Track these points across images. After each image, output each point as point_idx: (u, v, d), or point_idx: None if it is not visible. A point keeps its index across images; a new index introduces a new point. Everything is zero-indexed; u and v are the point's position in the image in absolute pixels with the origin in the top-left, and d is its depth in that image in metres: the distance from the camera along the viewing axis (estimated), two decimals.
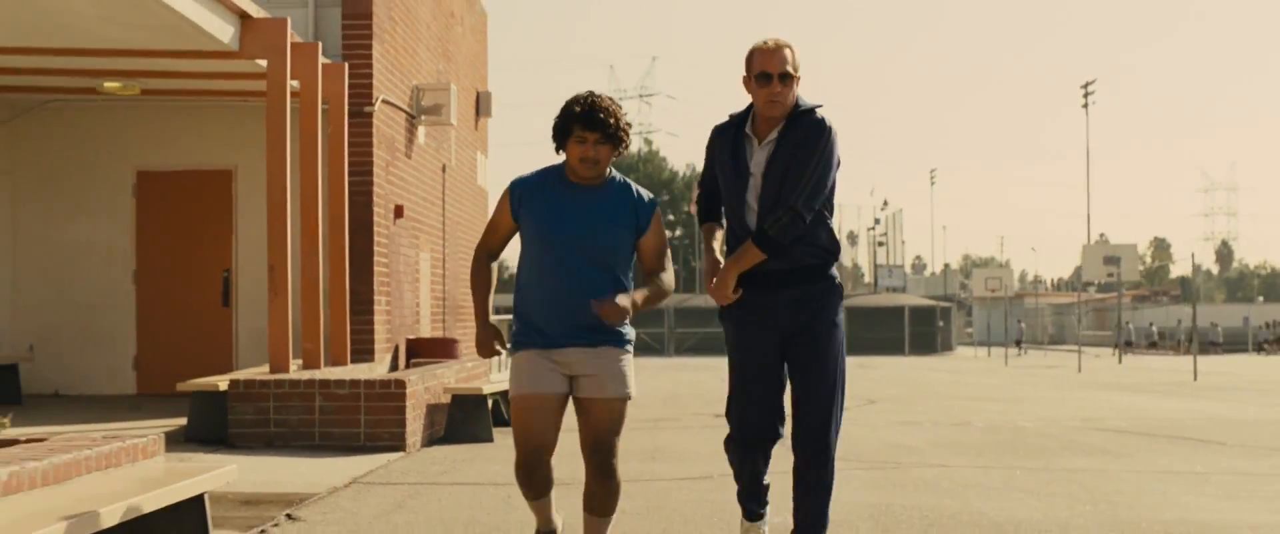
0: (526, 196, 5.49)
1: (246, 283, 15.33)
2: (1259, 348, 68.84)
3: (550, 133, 5.47)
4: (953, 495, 8.54)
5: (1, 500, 4.20)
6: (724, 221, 5.91)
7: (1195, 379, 30.14)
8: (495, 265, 5.75)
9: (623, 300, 5.29)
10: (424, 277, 17.46)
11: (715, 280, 5.69)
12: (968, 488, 8.97)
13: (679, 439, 13.02)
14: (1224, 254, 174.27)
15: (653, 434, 13.48)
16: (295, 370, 11.84)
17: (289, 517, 7.35)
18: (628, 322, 5.46)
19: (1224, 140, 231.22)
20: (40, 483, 4.48)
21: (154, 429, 9.91)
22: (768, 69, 5.65)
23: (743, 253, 5.63)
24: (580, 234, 5.40)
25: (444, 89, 17.15)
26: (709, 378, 31.96)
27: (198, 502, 4.95)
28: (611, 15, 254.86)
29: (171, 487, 4.72)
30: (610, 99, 5.45)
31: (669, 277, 5.55)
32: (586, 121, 5.34)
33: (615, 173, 5.54)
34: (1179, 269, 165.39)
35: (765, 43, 5.74)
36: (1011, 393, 23.81)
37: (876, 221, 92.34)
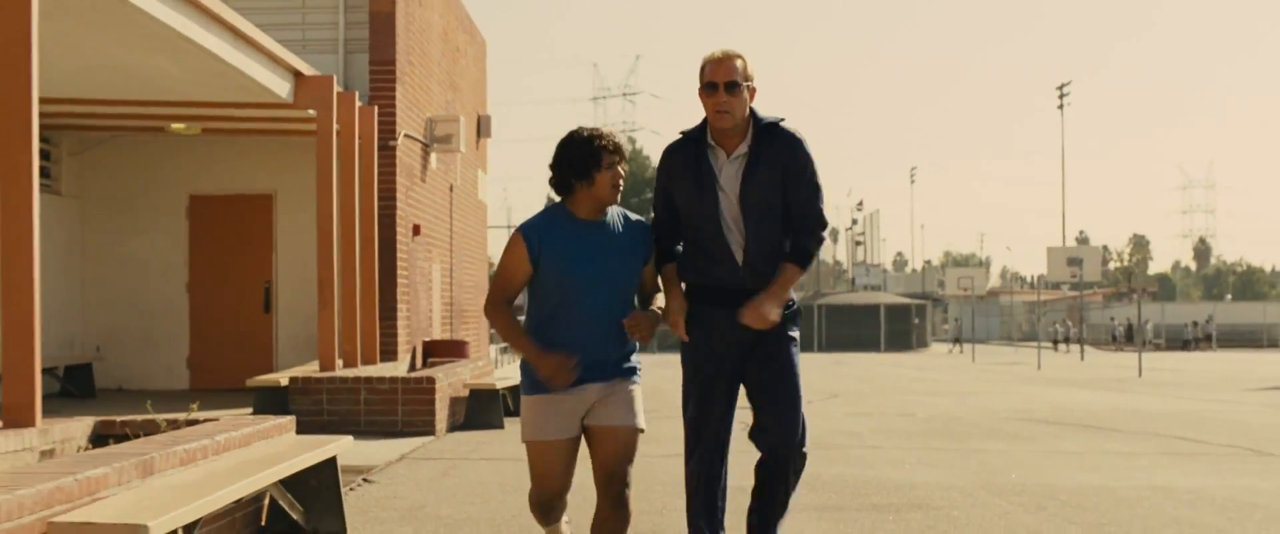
0: (544, 241, 5.40)
1: (285, 293, 17.66)
2: (1185, 345, 71.57)
3: (561, 175, 5.42)
4: (873, 468, 10.91)
5: (221, 456, 6.53)
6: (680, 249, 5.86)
7: (1140, 375, 32.60)
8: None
9: (651, 316, 5.50)
10: (436, 285, 19.79)
11: (759, 308, 5.60)
12: (887, 462, 11.34)
13: (661, 426, 15.31)
14: (1202, 251, 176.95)
15: None
16: (340, 369, 14.16)
17: (365, 480, 9.72)
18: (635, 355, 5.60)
19: (1203, 138, 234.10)
20: (237, 446, 6.80)
21: (226, 416, 12.22)
22: (714, 78, 5.59)
23: (787, 278, 5.67)
24: (604, 270, 5.38)
25: (454, 120, 19.47)
26: None
27: (331, 461, 7.28)
28: (595, 14, 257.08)
29: (320, 449, 7.03)
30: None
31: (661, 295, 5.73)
32: (615, 149, 5.36)
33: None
34: (1157, 266, 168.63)
35: (713, 52, 5.68)
36: (964, 388, 26.17)
37: (854, 222, 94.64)
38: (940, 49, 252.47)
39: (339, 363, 14.42)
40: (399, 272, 17.07)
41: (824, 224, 5.71)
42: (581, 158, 5.35)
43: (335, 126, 14.33)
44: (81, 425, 7.61)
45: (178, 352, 17.70)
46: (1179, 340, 74.37)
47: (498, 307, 5.51)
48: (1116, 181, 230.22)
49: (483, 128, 24.56)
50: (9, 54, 7.42)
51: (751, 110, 5.71)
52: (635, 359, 5.57)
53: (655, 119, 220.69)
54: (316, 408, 13.16)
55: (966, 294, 67.43)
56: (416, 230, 18.09)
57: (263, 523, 7.17)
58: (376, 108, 16.27)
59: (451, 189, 21.23)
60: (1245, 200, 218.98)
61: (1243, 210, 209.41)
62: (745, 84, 5.61)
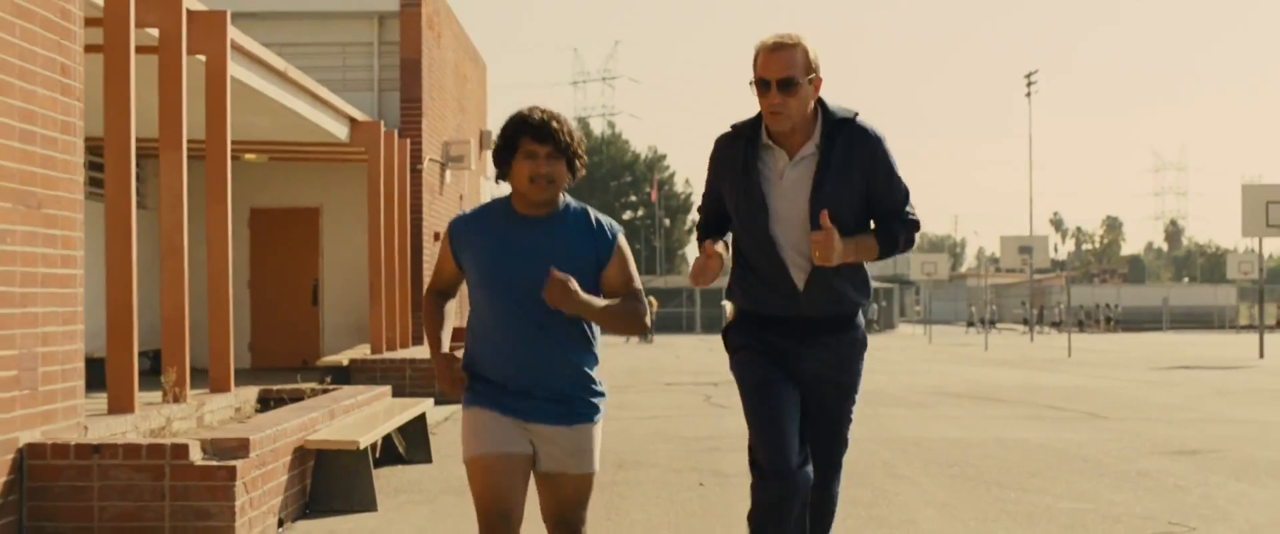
0: (466, 236, 4.75)
1: (330, 289, 21.39)
2: (1078, 326, 76.16)
3: (493, 159, 4.67)
4: None
5: (362, 409, 10.28)
6: (728, 248, 5.09)
7: (1069, 355, 36.50)
8: (452, 302, 5.02)
9: (574, 285, 4.47)
10: None
11: (832, 238, 4.70)
12: None
13: (639, 398, 19.21)
14: (1173, 233, 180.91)
15: (621, 395, 19.67)
16: (386, 352, 17.92)
17: (430, 432, 13.48)
18: (596, 383, 4.77)
19: (1176, 121, 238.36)
20: (366, 404, 10.56)
21: (346, 388, 15.94)
22: (766, 74, 4.73)
23: (865, 243, 4.88)
24: (530, 273, 4.58)
25: (465, 142, 23.23)
26: (664, 355, 38.36)
27: (423, 415, 11.03)
28: None
29: (418, 406, 10.79)
30: (559, 113, 4.68)
31: (641, 307, 4.73)
32: (537, 132, 4.56)
33: (569, 199, 4.74)
34: (1131, 247, 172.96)
35: (766, 40, 4.79)
36: (905, 367, 29.95)
37: None
38: (919, 31, 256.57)
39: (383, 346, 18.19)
40: (424, 272, 20.82)
41: (918, 227, 4.99)
42: (501, 143, 4.65)
43: (383, 158, 18.09)
44: (252, 391, 11.36)
45: (241, 337, 21.31)
46: (1136, 322, 78.68)
47: (429, 298, 4.99)
48: (1092, 163, 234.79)
49: (484, 142, 28.29)
50: (214, 120, 11.18)
51: (820, 103, 4.89)
52: (598, 392, 4.78)
53: (635, 103, 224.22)
54: (372, 381, 16.88)
55: (930, 278, 71.45)
56: (437, 236, 21.84)
57: (377, 455, 10.95)
58: (408, 140, 20.02)
59: (461, 198, 24.99)
60: (1217, 182, 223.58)
61: (1214, 193, 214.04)
62: (806, 79, 4.74)
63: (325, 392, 11.33)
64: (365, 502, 8.68)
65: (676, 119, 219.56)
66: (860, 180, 4.86)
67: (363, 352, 18.19)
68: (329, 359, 17.33)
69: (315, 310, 21.51)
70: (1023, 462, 11.58)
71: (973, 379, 24.76)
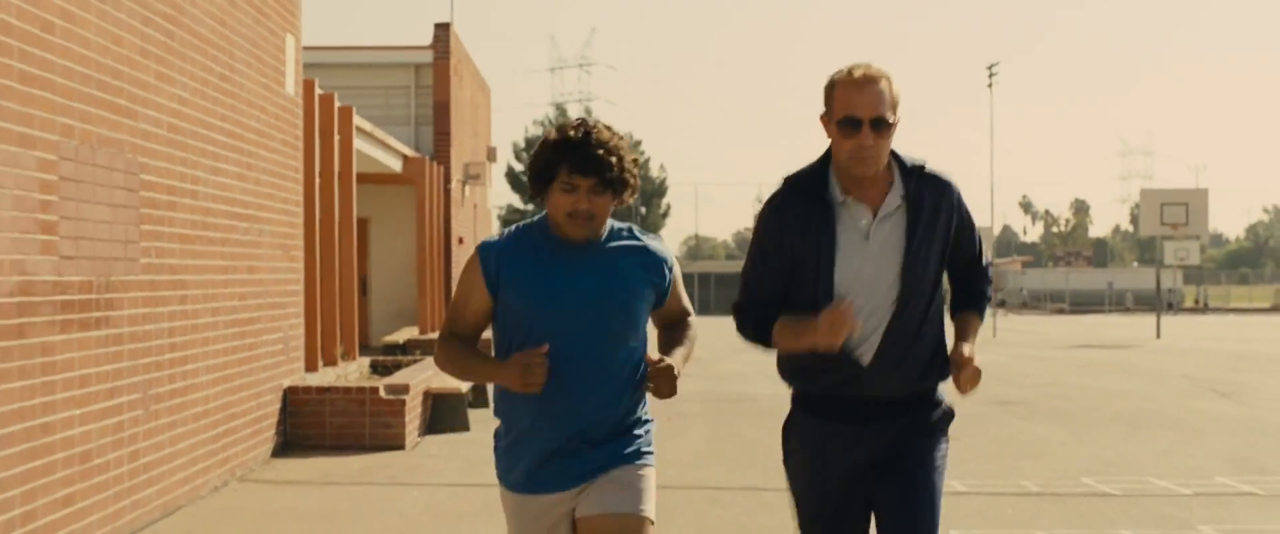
0: (504, 264, 4.13)
1: (376, 283, 26.78)
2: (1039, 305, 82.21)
3: (528, 179, 4.10)
4: (743, 386, 20.12)
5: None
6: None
7: (994, 335, 41.88)
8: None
9: (675, 368, 4.17)
10: None
11: (973, 364, 4.15)
12: (753, 385, 20.58)
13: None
14: (1138, 216, 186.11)
15: None
16: (431, 332, 23.33)
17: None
18: (647, 415, 4.36)
19: (1143, 106, 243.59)
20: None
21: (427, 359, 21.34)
22: (856, 112, 4.09)
23: (977, 328, 4.37)
24: (586, 308, 4.08)
25: (481, 163, 28.65)
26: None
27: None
28: None
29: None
30: (610, 130, 4.03)
31: (694, 330, 4.47)
32: (579, 161, 3.93)
33: (612, 221, 4.19)
34: (1097, 230, 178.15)
35: (852, 73, 4.14)
36: None
37: None
38: (888, 14, 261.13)
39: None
40: (453, 269, 26.26)
41: (990, 280, 4.49)
42: (538, 166, 4.04)
43: (426, 184, 23.53)
44: (366, 360, 16.74)
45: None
46: (1087, 305, 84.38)
47: (444, 342, 4.29)
48: (1061, 146, 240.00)
49: (490, 156, 33.73)
50: (345, 172, 16.53)
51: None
52: (647, 433, 4.29)
53: (611, 90, 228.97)
54: (424, 355, 22.26)
55: None
56: (460, 241, 27.26)
57: None
58: (441, 166, 25.45)
59: (475, 207, 30.42)
60: (1181, 169, 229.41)
61: (1179, 178, 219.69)
62: (893, 119, 4.14)
63: (417, 361, 16.73)
64: (462, 425, 14.12)
65: (653, 105, 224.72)
66: (942, 235, 4.28)
67: (411, 332, 23.58)
68: (388, 338, 22.75)
69: (365, 300, 26.86)
70: None
71: None
